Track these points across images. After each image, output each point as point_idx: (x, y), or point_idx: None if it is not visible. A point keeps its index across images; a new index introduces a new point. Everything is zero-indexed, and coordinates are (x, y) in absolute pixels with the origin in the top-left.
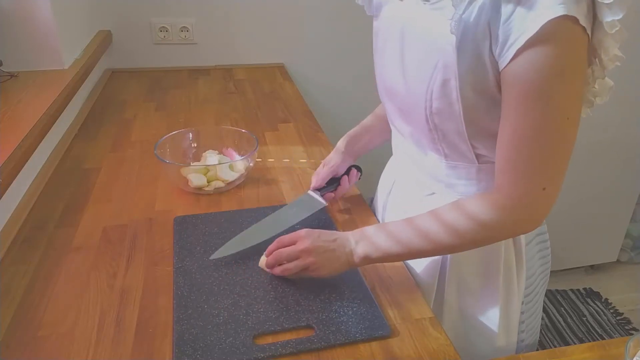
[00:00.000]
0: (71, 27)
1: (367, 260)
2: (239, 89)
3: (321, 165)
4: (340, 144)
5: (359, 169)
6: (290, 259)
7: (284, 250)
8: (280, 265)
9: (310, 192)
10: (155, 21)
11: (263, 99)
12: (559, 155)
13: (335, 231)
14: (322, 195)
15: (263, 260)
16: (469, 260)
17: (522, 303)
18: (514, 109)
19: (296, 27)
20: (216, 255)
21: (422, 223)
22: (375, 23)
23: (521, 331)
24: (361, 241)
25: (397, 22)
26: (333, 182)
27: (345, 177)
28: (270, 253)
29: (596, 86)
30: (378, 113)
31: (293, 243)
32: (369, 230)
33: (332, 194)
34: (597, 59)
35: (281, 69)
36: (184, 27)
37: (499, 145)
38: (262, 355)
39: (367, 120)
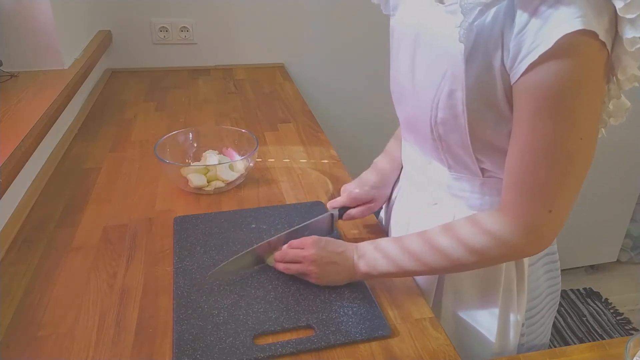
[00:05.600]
0: (71, 27)
1: (369, 276)
2: (239, 89)
3: (358, 190)
4: (375, 180)
5: None
6: (294, 261)
7: (290, 251)
8: (284, 263)
9: (332, 214)
10: (155, 21)
11: (263, 99)
12: (569, 177)
13: (342, 242)
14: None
15: (272, 257)
16: (468, 272)
17: (523, 325)
18: (523, 125)
19: (296, 27)
20: (214, 271)
21: (412, 244)
22: (391, 22)
23: (520, 352)
24: (363, 257)
25: (411, 24)
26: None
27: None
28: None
29: (610, 106)
30: (398, 135)
31: (301, 247)
32: (369, 247)
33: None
34: (614, 77)
35: (281, 69)
36: (184, 27)
37: (508, 161)
38: (262, 355)
39: (390, 146)
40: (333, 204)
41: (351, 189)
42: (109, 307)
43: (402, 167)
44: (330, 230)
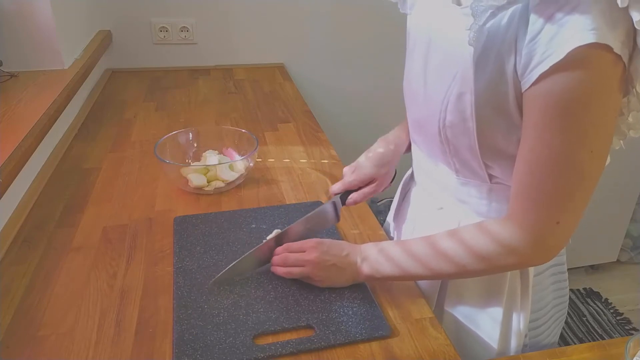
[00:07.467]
0: (71, 27)
1: (372, 279)
2: (239, 89)
3: (358, 170)
4: (375, 158)
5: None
6: (295, 265)
7: (291, 255)
8: (285, 267)
9: (334, 202)
10: (155, 21)
11: (263, 99)
12: (577, 190)
13: (344, 243)
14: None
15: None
16: (471, 279)
17: (526, 336)
18: (532, 134)
19: (296, 27)
20: (215, 280)
21: (417, 248)
22: (408, 23)
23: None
24: (367, 260)
25: (425, 26)
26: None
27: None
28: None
29: (630, 118)
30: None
31: (301, 251)
32: (373, 250)
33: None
34: (633, 89)
35: (281, 69)
36: (184, 27)
37: (516, 170)
38: (262, 355)
39: (395, 129)
40: (334, 190)
41: (351, 171)
42: (109, 307)
43: (404, 149)
44: (336, 219)
